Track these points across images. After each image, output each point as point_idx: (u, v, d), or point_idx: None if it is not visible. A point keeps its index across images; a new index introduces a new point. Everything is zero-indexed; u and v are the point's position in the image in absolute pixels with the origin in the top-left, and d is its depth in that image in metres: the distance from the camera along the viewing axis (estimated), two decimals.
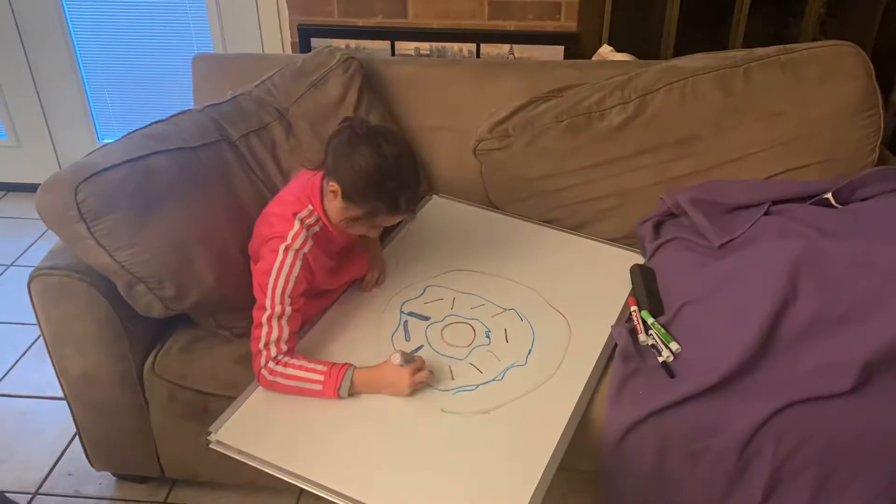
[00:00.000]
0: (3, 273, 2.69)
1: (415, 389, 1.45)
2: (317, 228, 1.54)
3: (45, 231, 2.87)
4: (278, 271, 1.47)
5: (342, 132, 1.48)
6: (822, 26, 2.54)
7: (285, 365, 1.45)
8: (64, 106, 3.00)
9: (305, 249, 1.50)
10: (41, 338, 1.64)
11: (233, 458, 1.37)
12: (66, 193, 1.45)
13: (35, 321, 1.61)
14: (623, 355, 1.51)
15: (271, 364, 1.45)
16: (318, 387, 1.44)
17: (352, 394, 1.45)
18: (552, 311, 1.67)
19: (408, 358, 1.46)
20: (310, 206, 1.54)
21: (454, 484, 1.30)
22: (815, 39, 2.43)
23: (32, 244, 2.82)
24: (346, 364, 1.46)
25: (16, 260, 2.75)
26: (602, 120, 1.89)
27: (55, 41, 2.86)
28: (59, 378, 1.68)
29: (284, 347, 1.47)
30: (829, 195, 1.74)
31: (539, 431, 1.38)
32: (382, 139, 1.45)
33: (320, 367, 1.45)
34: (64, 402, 1.73)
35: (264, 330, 1.46)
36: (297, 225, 1.50)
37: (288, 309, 1.47)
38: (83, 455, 1.81)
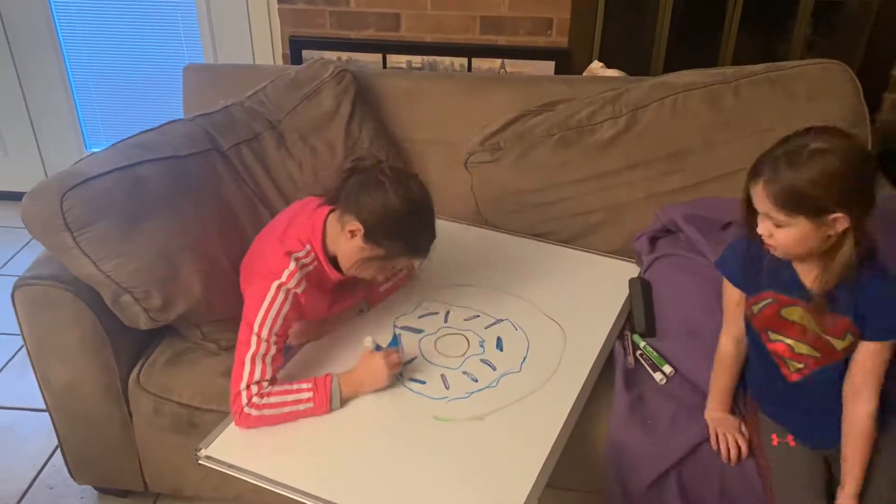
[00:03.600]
0: None
1: (392, 375, 1.45)
2: (310, 268, 1.48)
3: (30, 240, 2.83)
4: (267, 309, 1.41)
5: (365, 171, 1.45)
6: (808, 46, 2.57)
7: (269, 395, 1.39)
8: (52, 114, 2.98)
9: (298, 290, 1.44)
10: (24, 348, 1.62)
11: (219, 472, 1.35)
12: (51, 202, 1.44)
13: (18, 331, 1.59)
14: (625, 379, 1.51)
15: (255, 399, 1.39)
16: (310, 405, 1.41)
17: (344, 402, 1.43)
18: (547, 319, 1.67)
19: (379, 346, 1.47)
20: (307, 247, 1.48)
21: (450, 491, 1.29)
22: (802, 58, 2.45)
23: (17, 253, 2.80)
24: (327, 375, 1.43)
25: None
26: (593, 134, 1.90)
27: (44, 49, 2.85)
28: (41, 389, 1.66)
29: (265, 385, 1.40)
30: None
31: (534, 435, 1.38)
32: (410, 181, 1.45)
33: (305, 386, 1.42)
34: (46, 414, 1.70)
35: (246, 369, 1.40)
36: (292, 264, 1.44)
37: (273, 348, 1.42)
38: (65, 468, 1.78)
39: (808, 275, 1.30)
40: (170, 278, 1.55)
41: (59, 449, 1.76)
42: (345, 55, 2.59)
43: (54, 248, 1.49)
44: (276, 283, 1.43)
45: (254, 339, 1.41)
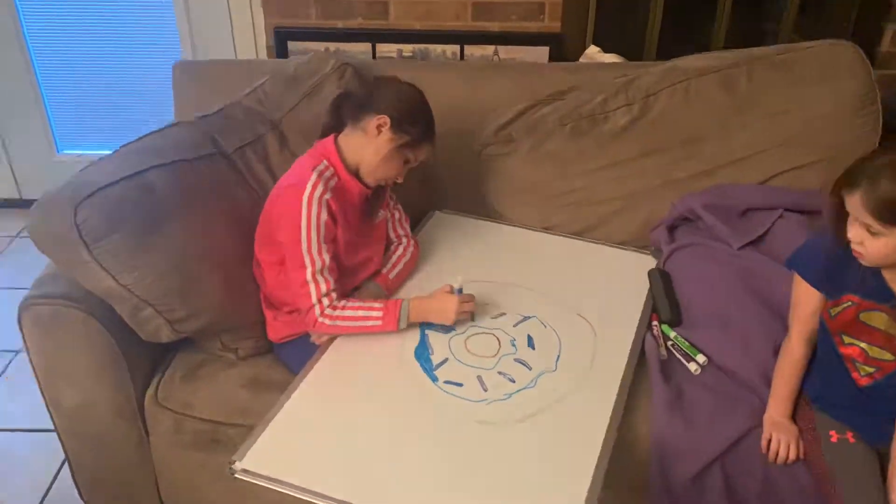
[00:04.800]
0: None
1: (459, 317, 1.54)
2: (333, 182, 1.53)
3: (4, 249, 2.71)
4: (308, 222, 1.47)
5: (362, 80, 1.77)
6: (796, 27, 2.58)
7: (343, 308, 1.50)
8: (19, 116, 2.83)
9: (327, 196, 1.50)
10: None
11: (237, 490, 1.29)
12: (65, 215, 1.36)
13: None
14: (661, 372, 1.49)
15: (328, 311, 1.49)
16: (378, 322, 1.51)
17: (409, 323, 1.53)
18: (574, 315, 1.64)
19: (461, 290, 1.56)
20: (325, 161, 1.54)
21: (504, 499, 1.25)
22: (791, 40, 2.47)
23: None
24: (398, 299, 1.54)
25: None
26: (606, 122, 1.87)
27: (10, 49, 2.70)
28: (50, 411, 1.57)
29: (334, 296, 1.50)
30: None
31: (580, 435, 1.35)
32: (406, 81, 1.61)
33: (377, 305, 1.53)
34: (44, 435, 1.61)
35: (311, 287, 1.48)
36: (314, 176, 1.49)
37: (327, 258, 1.49)
38: (74, 490, 1.69)
39: None
40: (190, 287, 1.50)
41: (62, 471, 1.69)
42: (332, 45, 2.50)
43: (67, 263, 1.41)
44: (304, 197, 1.47)
45: (307, 259, 1.47)
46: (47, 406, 1.56)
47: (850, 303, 1.35)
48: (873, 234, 1.23)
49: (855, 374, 1.37)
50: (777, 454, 1.39)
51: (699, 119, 1.86)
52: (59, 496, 1.83)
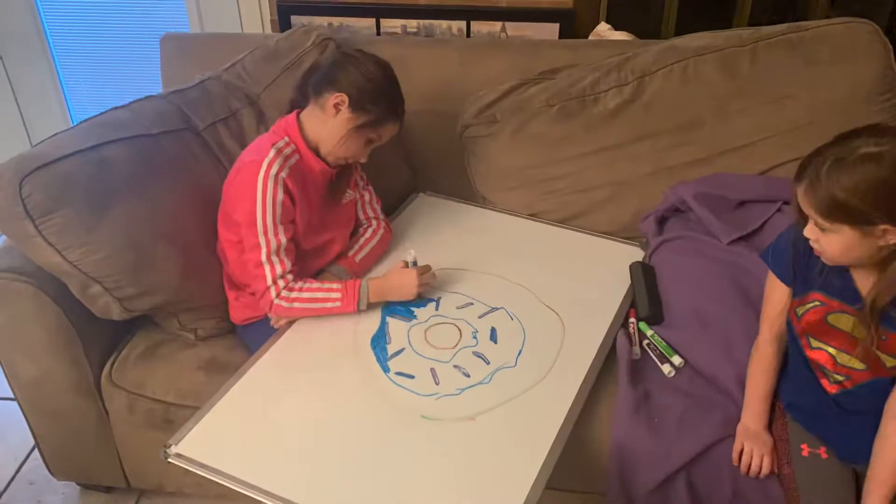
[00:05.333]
0: None
1: (422, 290, 1.51)
2: (294, 160, 1.49)
3: None
4: (263, 202, 1.43)
5: (330, 54, 1.60)
6: (832, 2, 2.39)
7: (300, 290, 1.46)
8: (36, 89, 2.86)
9: (283, 174, 1.45)
10: None
11: None
12: (9, 188, 1.33)
13: None
14: (629, 373, 1.40)
15: (284, 293, 1.45)
16: (337, 304, 1.47)
17: (370, 304, 1.49)
18: (545, 308, 1.56)
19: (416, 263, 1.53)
20: (286, 137, 1.50)
21: (439, 498, 1.19)
22: (826, 16, 2.29)
23: None
24: (356, 279, 1.50)
25: None
26: (596, 104, 1.76)
27: (24, 21, 2.71)
28: (10, 384, 1.57)
29: (290, 277, 1.46)
30: None
31: (530, 436, 1.27)
32: (374, 55, 1.52)
33: (335, 286, 1.48)
34: None
35: (266, 269, 1.44)
36: (272, 153, 1.45)
37: (283, 239, 1.45)
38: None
39: (865, 282, 1.18)
40: (142, 266, 1.46)
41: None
42: (336, 20, 2.44)
43: (15, 237, 1.40)
44: (260, 175, 1.43)
45: (262, 239, 1.43)
46: (7, 379, 1.56)
47: (816, 302, 1.24)
48: (823, 231, 1.13)
49: (824, 381, 1.26)
50: (749, 467, 1.28)
51: (696, 103, 1.73)
52: (34, 469, 1.84)
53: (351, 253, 1.62)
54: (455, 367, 1.42)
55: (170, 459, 1.28)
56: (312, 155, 1.51)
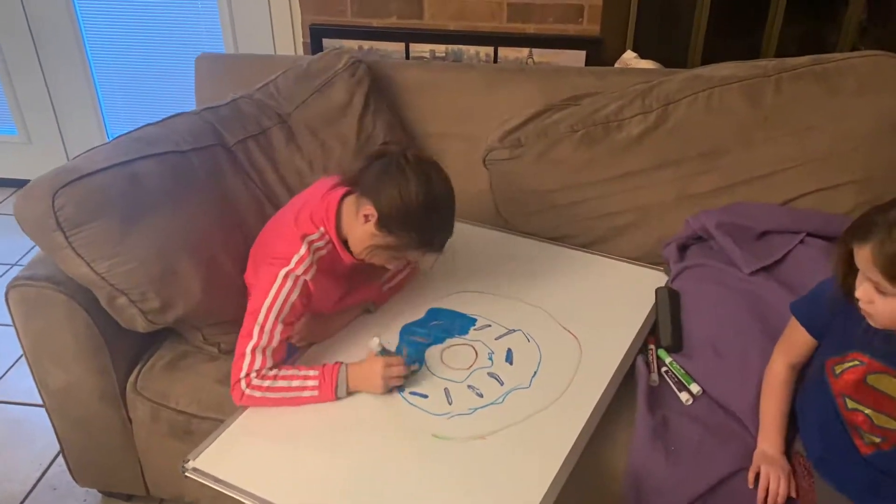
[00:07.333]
0: (5, 273, 2.64)
1: (388, 385, 1.38)
2: (324, 253, 1.43)
3: None
4: (274, 297, 1.37)
5: (388, 155, 1.39)
6: (862, 33, 2.39)
7: (274, 378, 1.37)
8: (74, 102, 2.96)
9: (307, 276, 1.39)
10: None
11: None
12: (43, 200, 1.38)
13: None
14: (647, 400, 1.40)
15: (256, 381, 1.36)
16: (314, 392, 1.37)
17: (349, 393, 1.39)
18: (563, 331, 1.56)
19: (387, 351, 1.41)
20: (322, 229, 1.43)
21: None
22: (854, 48, 2.28)
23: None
24: (336, 363, 1.39)
25: (20, 259, 2.71)
26: (620, 130, 1.77)
27: (66, 39, 2.82)
28: (39, 390, 1.61)
29: (265, 370, 1.38)
30: None
31: (539, 458, 1.27)
32: (433, 172, 1.38)
33: (312, 373, 1.38)
34: None
35: (246, 360, 1.37)
36: (303, 248, 1.40)
37: (276, 338, 1.37)
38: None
39: None
40: (168, 279, 1.49)
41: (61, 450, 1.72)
42: (366, 44, 2.49)
43: (47, 248, 1.44)
44: (284, 271, 1.38)
45: (256, 330, 1.37)
46: (37, 386, 1.61)
47: (857, 362, 1.19)
48: (883, 293, 1.07)
49: (858, 441, 1.21)
50: (767, 490, 1.26)
51: (720, 131, 1.73)
52: (58, 474, 1.88)
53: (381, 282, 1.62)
54: (469, 387, 1.43)
55: (187, 474, 1.31)
56: (343, 248, 1.45)
